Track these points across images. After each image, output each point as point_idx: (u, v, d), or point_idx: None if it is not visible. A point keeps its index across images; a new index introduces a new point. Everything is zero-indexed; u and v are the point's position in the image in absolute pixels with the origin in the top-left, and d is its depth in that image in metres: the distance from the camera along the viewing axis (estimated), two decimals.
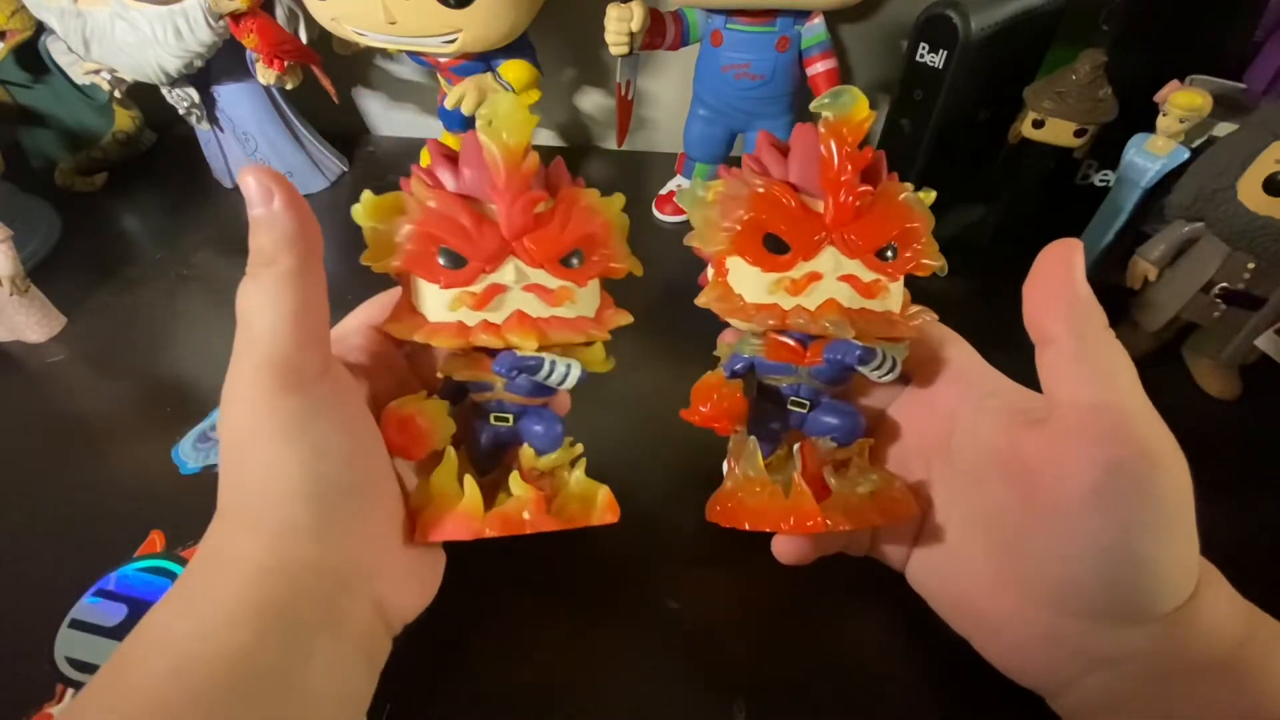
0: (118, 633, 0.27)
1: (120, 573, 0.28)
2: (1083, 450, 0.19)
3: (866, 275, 0.22)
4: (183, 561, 0.29)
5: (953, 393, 0.24)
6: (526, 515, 0.22)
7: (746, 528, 0.23)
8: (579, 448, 0.25)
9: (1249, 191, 0.31)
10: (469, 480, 0.23)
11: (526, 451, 0.24)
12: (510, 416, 0.24)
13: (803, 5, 0.42)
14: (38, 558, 0.30)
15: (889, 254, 0.22)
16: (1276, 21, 0.40)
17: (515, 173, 0.21)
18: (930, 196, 0.23)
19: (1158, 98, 0.36)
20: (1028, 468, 0.20)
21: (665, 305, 0.43)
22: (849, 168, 0.21)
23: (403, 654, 0.26)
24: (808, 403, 0.25)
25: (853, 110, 0.21)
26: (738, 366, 0.24)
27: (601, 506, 0.23)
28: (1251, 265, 0.33)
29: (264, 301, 0.18)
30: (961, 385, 0.24)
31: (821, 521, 0.22)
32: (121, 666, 0.18)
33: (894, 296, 0.23)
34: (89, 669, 0.26)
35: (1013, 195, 0.45)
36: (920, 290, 0.24)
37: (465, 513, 0.22)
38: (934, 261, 0.23)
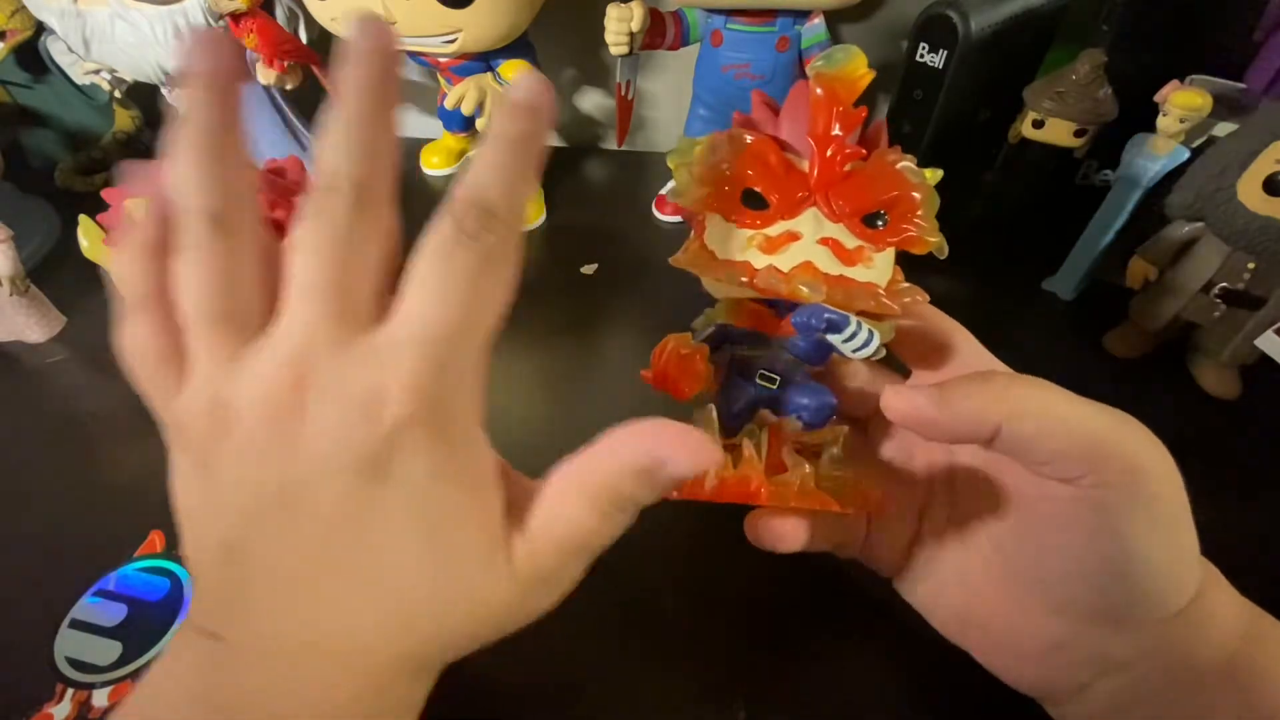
0: (118, 633, 0.27)
1: (120, 573, 0.28)
2: (1060, 482, 0.18)
3: (850, 241, 0.21)
4: (183, 561, 0.29)
5: None
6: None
7: (674, 495, 0.20)
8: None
9: (1249, 191, 0.31)
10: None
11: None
12: (777, 379, 0.22)
13: (803, 5, 0.42)
14: (38, 558, 0.30)
15: (879, 223, 0.21)
16: (1276, 21, 0.40)
17: (836, 121, 0.20)
18: (936, 175, 0.22)
19: (1158, 98, 0.36)
20: (1014, 489, 0.20)
21: (666, 305, 0.43)
22: (839, 125, 0.20)
23: None
24: (777, 378, 0.23)
25: (848, 66, 0.20)
26: (708, 332, 0.23)
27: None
28: (1251, 265, 0.33)
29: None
30: None
31: (762, 493, 0.20)
32: None
33: (880, 268, 0.22)
34: (89, 669, 0.26)
35: (1013, 195, 0.45)
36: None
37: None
38: (931, 238, 0.21)
